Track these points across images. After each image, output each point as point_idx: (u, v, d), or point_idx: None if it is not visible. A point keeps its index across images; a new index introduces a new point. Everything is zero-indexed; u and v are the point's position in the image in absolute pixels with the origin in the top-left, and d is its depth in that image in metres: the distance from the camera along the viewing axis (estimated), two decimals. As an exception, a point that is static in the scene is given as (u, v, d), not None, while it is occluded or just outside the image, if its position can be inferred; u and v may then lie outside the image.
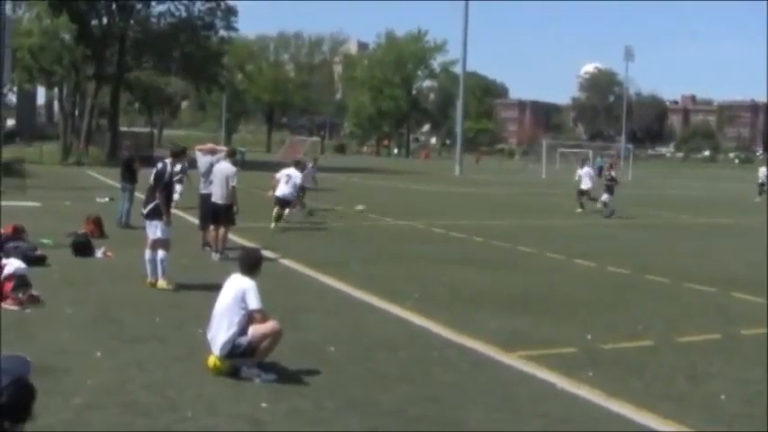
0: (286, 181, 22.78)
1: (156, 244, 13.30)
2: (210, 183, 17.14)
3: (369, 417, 7.55)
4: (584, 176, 32.82)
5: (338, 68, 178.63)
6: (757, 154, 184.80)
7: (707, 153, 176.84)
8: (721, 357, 10.29)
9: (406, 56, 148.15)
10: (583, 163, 34.76)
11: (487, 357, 9.77)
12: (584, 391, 8.52)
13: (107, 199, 25.57)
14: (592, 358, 9.89)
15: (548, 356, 9.79)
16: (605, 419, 7.80)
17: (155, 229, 13.41)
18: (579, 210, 31.73)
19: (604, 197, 30.94)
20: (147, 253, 13.35)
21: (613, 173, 32.44)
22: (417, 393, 8.24)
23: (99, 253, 16.17)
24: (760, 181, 49.11)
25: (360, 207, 29.04)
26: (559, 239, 22.97)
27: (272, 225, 21.86)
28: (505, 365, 9.46)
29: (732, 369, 9.75)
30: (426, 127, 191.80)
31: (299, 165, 25.08)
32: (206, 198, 17.34)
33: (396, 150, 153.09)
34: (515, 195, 44.80)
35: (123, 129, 70.05)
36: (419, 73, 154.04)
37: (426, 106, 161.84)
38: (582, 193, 32.73)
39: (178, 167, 15.33)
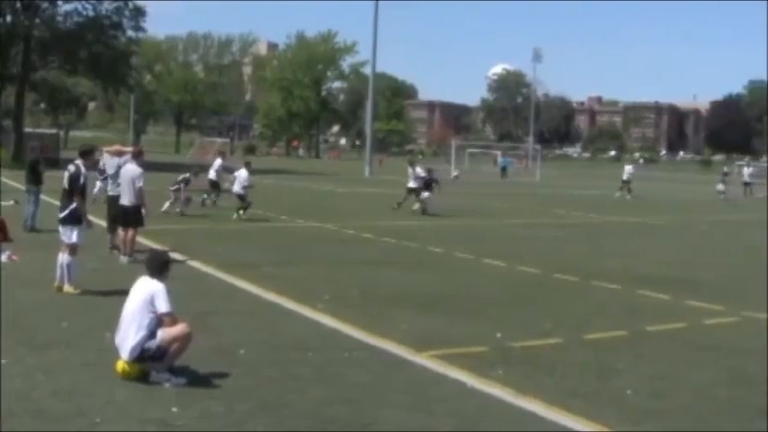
0: (238, 180, 26.33)
1: (69, 248, 13.07)
2: (118, 185, 16.90)
3: (281, 419, 7.51)
4: (412, 177, 31.78)
5: (248, 69, 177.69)
6: (661, 154, 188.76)
7: (613, 153, 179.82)
8: (628, 354, 10.48)
9: (316, 57, 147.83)
10: (412, 165, 33.18)
11: (399, 358, 9.79)
12: (495, 390, 8.59)
13: (12, 202, 25.02)
14: (502, 357, 9.98)
15: (459, 356, 9.86)
16: (516, 417, 7.88)
17: (70, 234, 13.16)
18: (396, 207, 31.03)
19: (424, 195, 30.63)
20: (60, 257, 13.09)
21: (435, 175, 32.12)
22: (330, 395, 8.23)
23: (3, 257, 15.81)
24: (625, 178, 50.08)
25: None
26: (468, 239, 23.17)
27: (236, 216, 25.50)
28: (417, 366, 9.50)
29: (638, 365, 9.94)
30: (336, 128, 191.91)
31: (248, 165, 27.86)
32: (114, 200, 17.10)
33: (301, 152, 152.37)
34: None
35: (28, 130, 68.43)
36: (329, 74, 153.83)
37: (336, 107, 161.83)
38: (410, 191, 31.86)
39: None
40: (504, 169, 77.80)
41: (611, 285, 15.74)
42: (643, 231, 28.76)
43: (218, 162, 30.21)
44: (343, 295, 13.65)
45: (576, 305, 13.82)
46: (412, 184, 31.21)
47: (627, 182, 49.41)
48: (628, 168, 51.82)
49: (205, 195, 29.76)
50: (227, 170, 30.23)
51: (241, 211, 25.83)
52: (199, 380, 8.45)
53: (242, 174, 26.64)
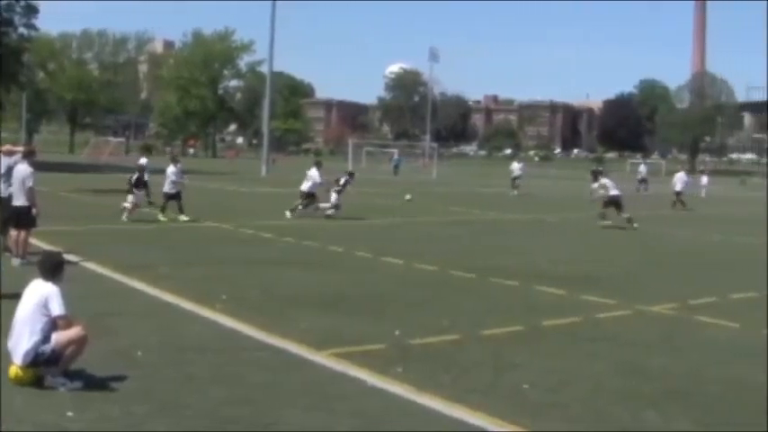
0: (170, 179, 25.83)
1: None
2: (10, 185, 16.53)
3: (180, 420, 7.44)
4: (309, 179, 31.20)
5: (144, 68, 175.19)
6: (556, 152, 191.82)
7: (508, 151, 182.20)
8: (525, 348, 10.64)
9: (212, 55, 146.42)
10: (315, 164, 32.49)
11: (299, 357, 9.79)
12: (394, 387, 8.64)
13: None
14: (401, 354, 10.03)
15: (358, 354, 9.89)
16: (416, 414, 7.94)
17: None
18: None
19: (333, 198, 29.98)
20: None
21: (342, 180, 31.25)
22: (229, 395, 8.18)
23: None
24: (513, 175, 50.98)
25: (408, 197, 28.77)
26: (367, 238, 23.25)
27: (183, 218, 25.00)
28: (317, 364, 9.50)
29: (535, 359, 10.10)
30: (233, 127, 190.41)
31: (175, 161, 27.36)
32: (6, 201, 16.71)
33: (192, 150, 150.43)
34: (321, 194, 44.89)
35: None
36: (226, 72, 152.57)
37: (233, 106, 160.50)
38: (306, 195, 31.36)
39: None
40: (396, 168, 78.26)
41: (507, 282, 15.96)
42: (539, 228, 29.22)
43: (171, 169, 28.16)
44: (242, 295, 13.57)
45: (473, 302, 13.98)
46: (305, 188, 30.04)
47: (516, 178, 50.25)
48: (516, 166, 52.66)
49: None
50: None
51: (183, 216, 25.15)
52: (95, 383, 8.32)
53: (170, 170, 26.11)
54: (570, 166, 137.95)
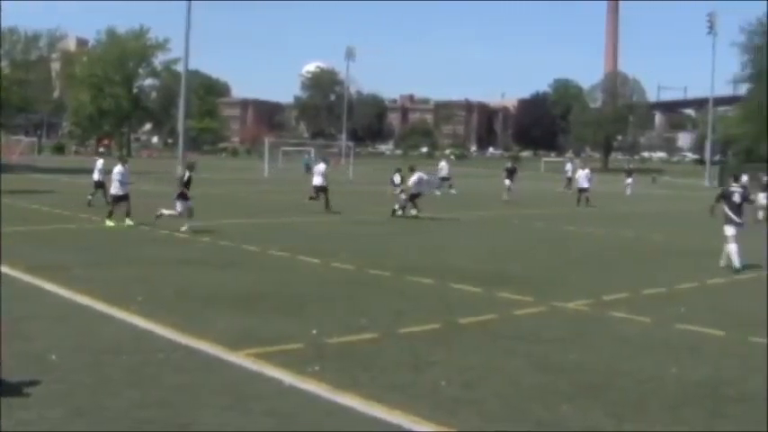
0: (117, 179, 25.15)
1: None
2: None
3: (96, 424, 7.35)
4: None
5: (56, 66, 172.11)
6: (471, 150, 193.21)
7: (425, 150, 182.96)
8: (442, 346, 10.72)
9: (127, 53, 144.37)
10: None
11: (215, 357, 9.73)
12: (312, 386, 8.64)
13: None
14: (318, 353, 10.04)
15: (275, 353, 9.87)
16: (334, 413, 7.95)
17: None
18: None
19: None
20: None
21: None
22: (145, 397, 8.10)
23: None
24: (444, 174, 51.37)
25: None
26: (282, 237, 23.20)
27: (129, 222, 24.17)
28: (234, 365, 9.46)
29: (451, 356, 10.18)
30: (148, 126, 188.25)
31: (123, 161, 26.54)
32: None
33: (102, 149, 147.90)
34: (238, 194, 44.72)
35: None
36: (141, 71, 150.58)
37: (148, 105, 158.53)
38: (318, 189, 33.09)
39: None
40: (308, 167, 78.13)
41: (424, 280, 16.05)
42: (455, 226, 29.41)
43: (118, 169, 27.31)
44: (158, 296, 13.45)
45: (390, 300, 14.03)
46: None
47: (447, 178, 50.54)
48: (443, 165, 52.95)
49: (90, 196, 30.96)
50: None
51: (129, 221, 24.30)
52: (9, 389, 8.16)
53: (117, 170, 25.44)
54: (486, 165, 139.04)
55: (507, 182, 43.45)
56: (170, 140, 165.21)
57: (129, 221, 24.31)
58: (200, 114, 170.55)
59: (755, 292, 16.73)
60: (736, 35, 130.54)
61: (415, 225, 28.26)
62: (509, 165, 46.57)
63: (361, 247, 21.57)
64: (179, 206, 23.75)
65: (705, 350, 11.18)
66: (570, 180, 60.10)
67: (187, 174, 24.50)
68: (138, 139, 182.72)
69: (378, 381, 9.00)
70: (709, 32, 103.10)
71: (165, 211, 24.24)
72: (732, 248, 19.58)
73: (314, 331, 11.13)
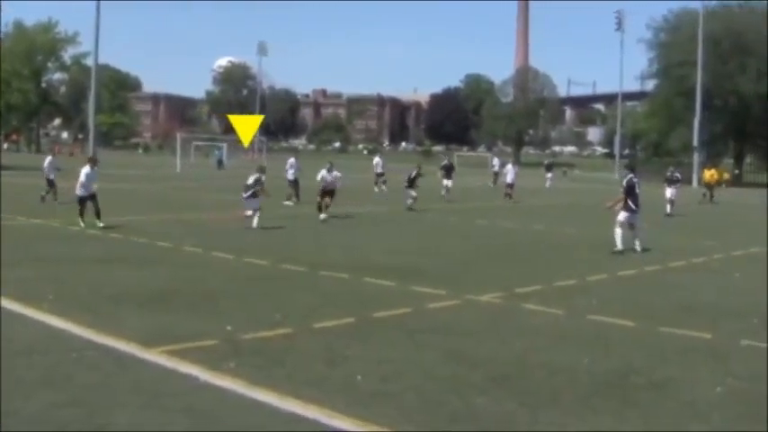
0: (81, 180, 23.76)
1: None
2: None
3: (9, 427, 7.22)
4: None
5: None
6: (384, 145, 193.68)
7: (337, 144, 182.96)
8: (357, 340, 10.74)
9: (35, 47, 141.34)
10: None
11: (130, 355, 9.62)
12: (227, 383, 8.59)
13: None
14: (233, 349, 10.00)
15: (190, 350, 9.80)
16: (250, 409, 7.92)
17: None
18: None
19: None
20: None
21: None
22: (60, 398, 7.97)
23: None
24: (379, 171, 51.53)
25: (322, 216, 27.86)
26: (195, 233, 23.00)
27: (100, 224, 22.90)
28: (148, 362, 9.36)
29: (367, 350, 10.22)
30: (57, 121, 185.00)
31: (92, 160, 25.07)
32: None
33: (6, 146, 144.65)
34: (150, 190, 44.24)
35: None
36: (50, 65, 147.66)
37: (57, 99, 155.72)
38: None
39: None
40: (220, 162, 77.68)
41: (338, 274, 16.07)
42: (369, 221, 29.46)
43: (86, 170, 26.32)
44: (70, 294, 13.25)
45: (304, 295, 14.02)
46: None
47: (381, 174, 50.55)
48: (378, 160, 53.03)
49: (43, 192, 30.82)
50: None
51: (99, 222, 22.95)
52: None
53: (84, 171, 23.91)
54: (398, 160, 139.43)
55: (446, 181, 42.62)
56: (80, 136, 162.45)
57: (99, 223, 22.93)
58: (110, 109, 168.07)
59: (664, 283, 17.14)
60: (644, 32, 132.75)
61: (333, 220, 28.25)
62: (446, 162, 46.35)
63: (275, 243, 21.50)
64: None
65: (616, 340, 11.38)
66: (497, 175, 60.67)
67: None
68: (47, 135, 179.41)
69: (293, 376, 8.99)
70: (618, 29, 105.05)
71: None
72: (618, 233, 21.52)
73: (229, 327, 11.07)
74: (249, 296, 13.83)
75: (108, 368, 9.10)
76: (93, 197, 23.72)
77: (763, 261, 21.52)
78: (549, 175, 62.93)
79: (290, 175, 36.23)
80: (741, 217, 40.27)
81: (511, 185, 43.68)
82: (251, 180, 25.81)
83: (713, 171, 53.86)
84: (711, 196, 48.62)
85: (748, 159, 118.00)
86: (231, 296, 13.70)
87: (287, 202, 32.93)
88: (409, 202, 33.68)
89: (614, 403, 8.45)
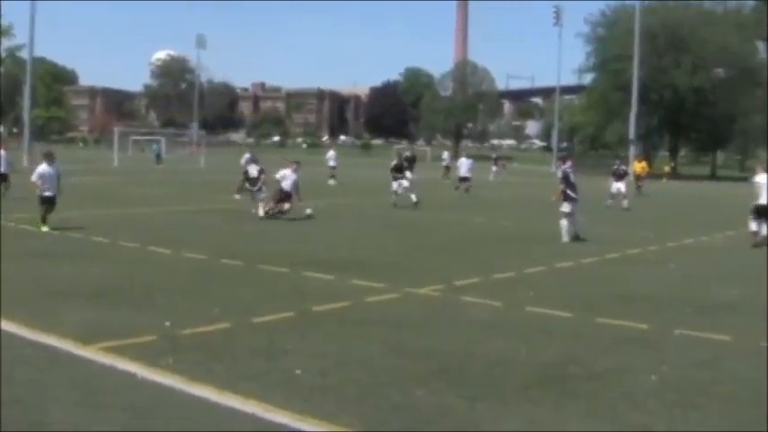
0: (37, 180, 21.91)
1: None
2: None
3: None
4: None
5: None
6: (323, 139, 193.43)
7: (276, 138, 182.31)
8: (296, 334, 10.72)
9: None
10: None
11: (66, 352, 9.50)
12: (165, 379, 8.53)
13: None
14: (172, 345, 9.92)
15: (128, 346, 9.71)
16: (189, 405, 7.87)
17: None
18: None
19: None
20: None
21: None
22: (-7, 395, 7.86)
23: None
24: (331, 164, 51.59)
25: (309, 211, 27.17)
26: (132, 228, 22.78)
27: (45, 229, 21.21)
28: (85, 359, 9.26)
29: (306, 344, 10.20)
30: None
31: (48, 156, 22.84)
32: None
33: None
34: (87, 185, 43.73)
35: None
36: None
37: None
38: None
39: None
40: (158, 156, 77.12)
41: (277, 268, 16.03)
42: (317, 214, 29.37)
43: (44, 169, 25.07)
44: (4, 290, 13.00)
45: (243, 289, 13.96)
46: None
47: (334, 167, 50.54)
48: (332, 154, 52.97)
49: None
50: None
51: (44, 227, 21.20)
52: None
53: (40, 169, 22.09)
54: (338, 153, 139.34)
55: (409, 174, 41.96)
56: (15, 130, 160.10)
57: (44, 227, 21.38)
58: (46, 103, 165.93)
59: (601, 274, 17.36)
60: (582, 26, 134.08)
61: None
62: (408, 154, 45.94)
63: (213, 237, 21.39)
64: None
65: (554, 332, 11.49)
66: (448, 169, 60.89)
67: None
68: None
69: (232, 371, 8.95)
70: (556, 24, 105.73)
71: None
72: (564, 224, 22.11)
73: (167, 323, 10.99)
74: (187, 291, 13.74)
75: (44, 365, 8.98)
76: (50, 199, 21.90)
77: (697, 251, 21.92)
78: (495, 168, 63.34)
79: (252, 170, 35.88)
80: (675, 209, 40.83)
81: (466, 179, 43.70)
82: (255, 173, 26.99)
83: (643, 164, 54.59)
84: (639, 188, 49.11)
85: (682, 152, 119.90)
86: (169, 291, 13.60)
87: (236, 196, 32.67)
88: (399, 192, 33.03)
89: (553, 394, 8.53)
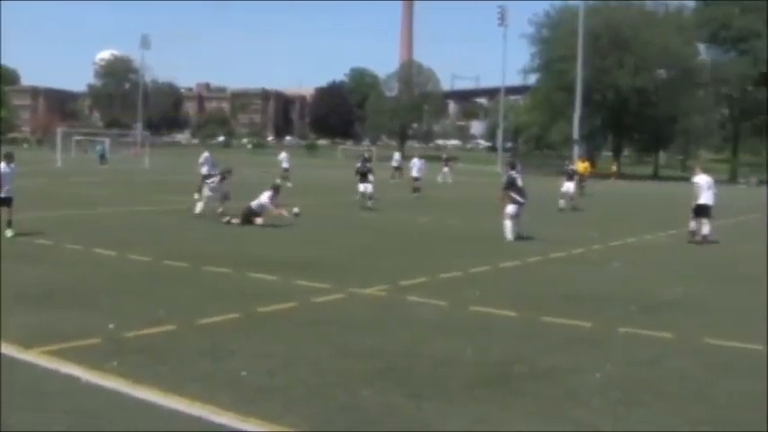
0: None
1: None
2: None
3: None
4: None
5: None
6: (269, 139, 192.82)
7: (221, 139, 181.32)
8: (242, 335, 10.69)
9: None
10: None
11: (8, 357, 9.36)
12: (110, 382, 8.45)
13: None
14: (116, 347, 9.83)
15: (71, 350, 9.60)
16: (134, 407, 7.81)
17: None
18: None
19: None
20: None
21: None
22: (-68, 401, 7.73)
23: None
24: (285, 166, 51.48)
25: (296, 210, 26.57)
26: (76, 230, 22.52)
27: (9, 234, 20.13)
28: (28, 363, 9.14)
29: (252, 345, 10.17)
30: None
31: (9, 158, 21.66)
32: None
33: None
34: (29, 186, 43.14)
35: None
36: None
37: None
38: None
39: None
40: (102, 157, 76.36)
41: (221, 269, 15.96)
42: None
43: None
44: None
45: (188, 291, 13.89)
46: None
47: (287, 169, 50.41)
48: (284, 155, 52.82)
49: None
50: None
51: (8, 232, 20.14)
52: None
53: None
54: (290, 155, 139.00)
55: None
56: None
57: (8, 232, 20.30)
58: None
59: (545, 273, 17.50)
60: (526, 27, 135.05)
61: (214, 215, 28.02)
62: (366, 155, 45.88)
63: (157, 239, 21.22)
64: None
65: (500, 331, 11.57)
66: (399, 170, 60.92)
67: None
68: None
69: (177, 373, 8.89)
70: (501, 24, 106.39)
71: None
72: (507, 225, 22.67)
73: (111, 325, 10.89)
74: (132, 293, 13.63)
75: (-15, 369, 8.86)
76: (9, 201, 20.88)
77: (640, 250, 22.19)
78: (446, 169, 63.53)
79: (204, 170, 35.65)
80: (619, 208, 41.24)
81: (417, 179, 43.88)
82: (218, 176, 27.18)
83: (586, 164, 55.01)
84: (582, 188, 49.41)
85: (626, 152, 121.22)
86: (113, 294, 13.47)
87: (197, 196, 32.44)
88: (367, 194, 32.52)
89: (499, 392, 8.58)
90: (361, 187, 32.61)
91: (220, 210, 26.90)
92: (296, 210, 26.46)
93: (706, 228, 23.87)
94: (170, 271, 16.01)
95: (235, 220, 24.76)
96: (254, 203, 25.09)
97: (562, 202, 36.26)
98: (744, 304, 14.47)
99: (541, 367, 9.63)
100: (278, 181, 25.63)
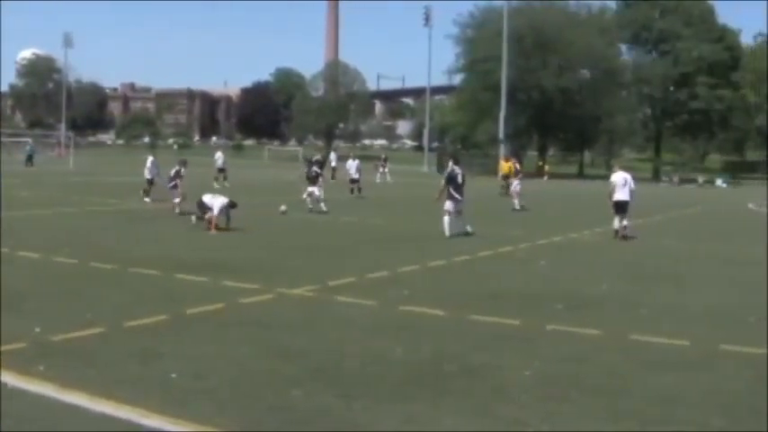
0: None
1: None
2: None
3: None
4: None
5: None
6: (195, 140, 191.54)
7: (147, 139, 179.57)
8: (170, 337, 10.62)
9: None
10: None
11: (-70, 361, 9.21)
12: (36, 387, 8.34)
13: None
14: (42, 351, 9.70)
15: (-4, 354, 9.47)
16: (60, 412, 7.71)
17: None
18: None
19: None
20: None
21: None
22: None
23: None
24: (220, 165, 51.20)
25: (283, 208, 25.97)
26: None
27: None
28: (-50, 368, 8.99)
29: (181, 347, 10.11)
30: None
31: None
32: None
33: None
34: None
35: None
36: None
37: None
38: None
39: None
40: (30, 158, 75.17)
41: (149, 271, 15.82)
42: (181, 217, 29.02)
43: None
44: None
45: (115, 293, 13.74)
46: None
47: (223, 170, 50.12)
48: (219, 155, 52.46)
49: None
50: None
51: None
52: None
53: None
54: (209, 154, 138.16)
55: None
56: None
57: None
58: None
59: (473, 272, 17.65)
60: (451, 28, 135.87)
61: (135, 216, 27.76)
62: (318, 157, 45.26)
63: (83, 241, 20.94)
64: None
65: (428, 330, 11.63)
66: (335, 170, 60.85)
67: None
68: None
69: (106, 376, 8.81)
70: (426, 25, 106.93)
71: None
72: (446, 220, 23.12)
73: (37, 329, 10.74)
74: (58, 296, 13.46)
75: None
76: None
77: (566, 248, 22.49)
78: (383, 169, 63.64)
79: (148, 173, 35.54)
80: (545, 207, 41.64)
81: (355, 180, 43.90)
82: (172, 172, 27.86)
83: (510, 163, 55.34)
84: (507, 187, 49.65)
85: (551, 152, 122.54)
86: (39, 296, 13.29)
87: (147, 199, 32.38)
88: (309, 200, 31.81)
89: (428, 391, 8.64)
90: (309, 190, 32.14)
91: (178, 210, 27.15)
92: (283, 208, 27.87)
93: (622, 223, 24.49)
94: (97, 273, 15.82)
95: (194, 218, 24.59)
96: (205, 197, 24.66)
97: (516, 203, 37.30)
98: (668, 301, 14.73)
99: (470, 365, 9.71)
100: (236, 204, 24.65)
